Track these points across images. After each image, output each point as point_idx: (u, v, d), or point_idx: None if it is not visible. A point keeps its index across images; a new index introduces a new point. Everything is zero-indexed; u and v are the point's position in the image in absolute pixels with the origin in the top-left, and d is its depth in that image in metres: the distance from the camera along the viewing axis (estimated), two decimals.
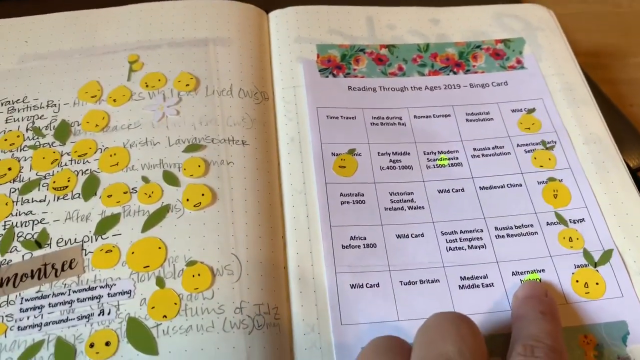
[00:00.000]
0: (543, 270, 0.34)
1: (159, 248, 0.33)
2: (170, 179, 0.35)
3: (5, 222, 0.34)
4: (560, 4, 0.54)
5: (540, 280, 0.34)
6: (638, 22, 0.55)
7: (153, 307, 0.31)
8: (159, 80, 0.39)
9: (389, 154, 0.38)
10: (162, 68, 0.40)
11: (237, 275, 0.32)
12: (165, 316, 0.30)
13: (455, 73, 0.43)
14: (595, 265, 0.35)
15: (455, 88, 0.42)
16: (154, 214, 0.34)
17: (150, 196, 0.34)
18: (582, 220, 0.36)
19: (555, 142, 0.40)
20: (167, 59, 0.41)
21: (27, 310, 0.31)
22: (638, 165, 0.42)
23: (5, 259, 0.33)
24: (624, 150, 0.41)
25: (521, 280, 0.34)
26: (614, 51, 0.52)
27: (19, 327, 0.30)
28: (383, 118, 0.40)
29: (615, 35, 0.53)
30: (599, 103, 0.42)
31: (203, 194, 0.34)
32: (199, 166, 0.35)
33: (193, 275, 0.32)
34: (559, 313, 0.32)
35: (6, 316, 0.31)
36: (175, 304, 0.31)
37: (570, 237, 0.36)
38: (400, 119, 0.40)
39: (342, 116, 0.40)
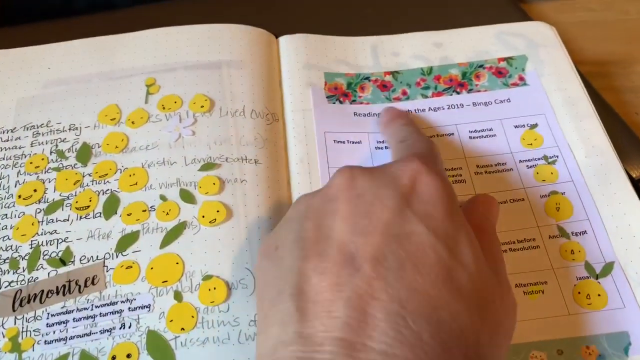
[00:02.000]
0: (545, 283, 0.36)
1: (177, 263, 0.34)
2: (187, 196, 0.37)
3: (32, 241, 0.36)
4: (567, 12, 0.55)
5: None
6: None
7: (171, 320, 0.32)
8: (175, 102, 0.41)
9: None
10: (178, 90, 0.42)
11: (252, 288, 0.33)
12: (183, 329, 0.32)
13: (458, 93, 0.45)
14: (597, 277, 0.36)
15: (458, 107, 0.44)
16: (171, 231, 0.35)
17: (168, 214, 0.36)
18: (584, 232, 0.37)
19: (558, 157, 0.41)
20: (183, 82, 0.42)
21: (53, 325, 0.33)
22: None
23: (32, 277, 0.34)
24: (627, 160, 0.42)
25: (524, 293, 0.35)
26: (620, 59, 0.53)
27: (45, 341, 0.32)
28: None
29: (622, 43, 0.54)
30: (602, 113, 0.43)
31: (218, 211, 0.36)
32: (214, 184, 0.37)
33: (209, 289, 0.33)
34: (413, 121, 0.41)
35: (34, 331, 0.32)
36: (193, 317, 0.32)
37: (572, 250, 0.37)
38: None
39: (348, 141, 0.41)
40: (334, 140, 0.41)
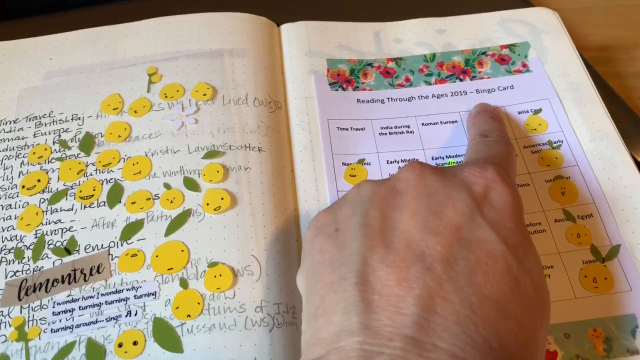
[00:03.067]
0: (552, 267, 0.35)
1: (182, 251, 0.34)
2: (191, 184, 0.37)
3: (36, 231, 0.36)
4: None
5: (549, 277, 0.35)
6: None
7: (177, 307, 0.32)
8: (178, 90, 0.41)
9: (398, 162, 0.40)
10: (180, 79, 0.42)
11: (257, 275, 0.33)
12: (189, 315, 0.32)
13: (461, 80, 0.44)
14: (604, 260, 0.36)
15: (461, 95, 0.43)
16: (176, 219, 0.35)
17: (172, 202, 0.36)
18: (590, 216, 0.37)
19: (562, 142, 0.41)
20: (185, 70, 0.42)
21: (59, 313, 0.33)
22: None
23: (38, 266, 0.34)
24: (631, 144, 0.42)
25: None
26: (623, 44, 0.53)
27: (52, 329, 0.32)
28: (391, 127, 0.41)
29: (625, 29, 0.54)
30: (607, 98, 0.43)
31: (222, 198, 0.36)
32: (218, 172, 0.37)
33: (215, 276, 0.33)
34: (502, 117, 0.40)
35: (40, 319, 0.32)
36: (199, 303, 0.32)
37: (578, 234, 0.37)
38: (408, 127, 0.42)
39: (351, 127, 0.41)
40: (337, 127, 0.41)
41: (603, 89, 0.44)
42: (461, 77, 0.45)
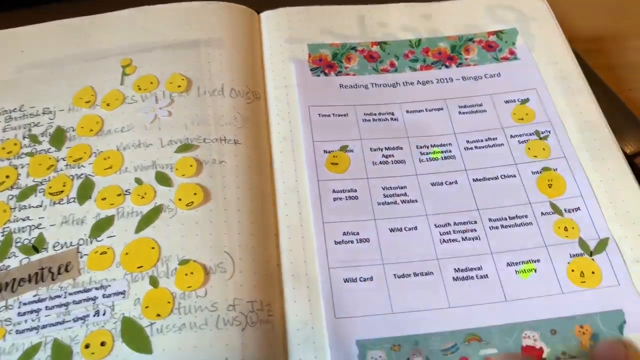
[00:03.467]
0: (538, 261, 0.34)
1: (152, 248, 0.33)
2: (163, 179, 0.35)
3: (3, 228, 0.35)
4: None
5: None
6: (637, 5, 0.54)
7: (147, 307, 0.31)
8: (151, 82, 0.40)
9: (382, 149, 0.38)
10: (155, 70, 0.41)
11: (230, 272, 0.32)
12: (158, 315, 0.31)
13: (447, 67, 0.43)
14: (591, 254, 0.34)
15: (447, 82, 0.42)
16: (147, 215, 0.34)
17: (143, 197, 0.35)
18: (578, 209, 0.36)
19: (550, 132, 0.39)
20: (159, 62, 0.41)
21: (24, 314, 0.31)
22: (635, 151, 0.41)
23: (4, 265, 0.33)
24: (621, 136, 0.40)
25: (516, 271, 0.34)
26: (613, 36, 0.52)
27: (17, 330, 0.31)
28: (375, 114, 0.40)
29: (615, 20, 0.53)
30: (597, 90, 0.42)
31: (195, 193, 0.35)
32: (191, 166, 0.36)
33: (186, 274, 0.32)
34: None
35: (5, 320, 0.31)
36: (169, 302, 0.31)
37: (565, 227, 0.35)
38: (393, 114, 0.40)
39: (334, 114, 0.40)
40: (319, 114, 0.39)
41: (594, 81, 0.43)
42: (447, 63, 0.43)
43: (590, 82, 0.42)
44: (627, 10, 0.54)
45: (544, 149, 0.39)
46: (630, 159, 0.40)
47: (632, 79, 0.48)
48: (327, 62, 0.42)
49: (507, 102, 0.41)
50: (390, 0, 0.46)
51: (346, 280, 0.33)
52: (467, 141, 0.39)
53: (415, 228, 0.35)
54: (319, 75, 0.42)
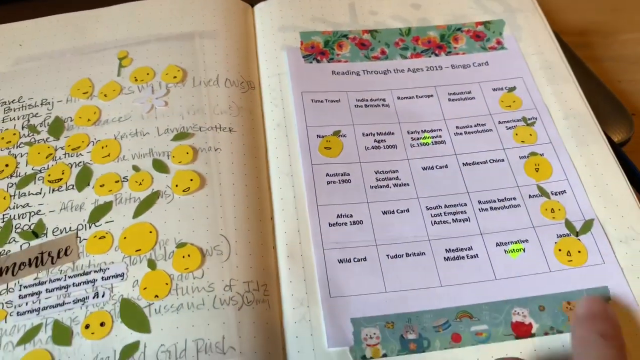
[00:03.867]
0: (526, 241, 0.35)
1: (150, 232, 0.34)
2: (160, 166, 0.36)
3: (3, 215, 0.35)
4: None
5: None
6: None
7: (145, 288, 0.32)
8: (148, 74, 0.41)
9: (374, 134, 0.39)
10: (151, 62, 0.41)
11: (226, 254, 0.33)
12: (157, 296, 0.32)
13: (437, 55, 0.44)
14: (577, 234, 0.35)
15: (437, 69, 0.43)
16: (144, 201, 0.35)
17: (140, 184, 0.36)
18: (564, 192, 0.37)
19: (536, 119, 0.40)
20: (155, 54, 0.42)
21: (25, 296, 0.32)
22: (623, 140, 0.43)
23: (5, 250, 0.34)
24: (610, 125, 0.42)
25: (505, 251, 0.35)
26: (603, 29, 0.53)
27: (18, 312, 0.32)
28: (367, 100, 0.41)
29: (605, 13, 0.54)
30: (586, 81, 0.43)
31: (192, 180, 0.35)
32: (187, 153, 0.37)
33: (183, 257, 0.33)
34: (622, 332, 0.30)
35: (6, 303, 0.32)
36: (167, 284, 0.32)
37: (552, 209, 0.36)
38: (384, 100, 0.41)
39: (326, 100, 0.41)
40: (312, 100, 0.40)
41: (582, 72, 0.44)
42: (436, 52, 0.44)
43: (580, 74, 0.43)
44: (617, 4, 0.55)
45: (530, 135, 0.40)
46: (618, 146, 0.41)
47: (621, 71, 0.50)
48: (319, 49, 0.43)
49: (494, 89, 0.42)
50: None
51: (340, 261, 0.34)
52: (457, 127, 0.40)
53: (407, 210, 0.36)
54: (311, 62, 0.43)
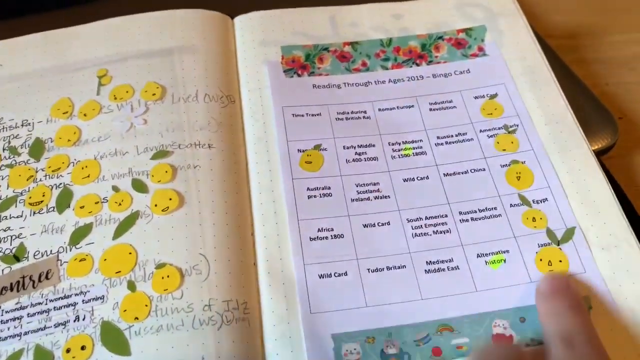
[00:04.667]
0: (507, 251, 0.35)
1: (130, 253, 0.34)
2: (139, 186, 0.36)
3: None
4: None
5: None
6: (614, 1, 0.55)
7: (125, 310, 0.32)
8: (127, 92, 0.41)
9: (355, 147, 0.39)
10: (130, 80, 0.41)
11: (206, 274, 0.33)
12: (137, 318, 0.32)
13: (418, 65, 0.44)
14: (559, 243, 0.35)
15: (418, 79, 0.43)
16: (124, 221, 0.35)
17: (120, 204, 0.36)
18: (545, 200, 0.37)
19: (518, 125, 0.40)
20: (135, 71, 0.42)
21: (7, 321, 0.32)
22: (607, 145, 0.42)
23: None
24: (594, 131, 0.41)
25: (486, 262, 0.35)
26: (591, 31, 0.53)
27: (0, 337, 0.32)
28: (348, 113, 0.41)
29: (592, 16, 0.54)
30: (570, 85, 0.43)
31: (171, 199, 0.36)
32: (166, 172, 0.37)
33: (162, 277, 0.33)
34: (584, 303, 0.32)
35: None
36: (146, 305, 0.32)
37: (533, 217, 0.36)
38: (365, 112, 0.41)
39: (307, 114, 0.41)
40: (293, 114, 0.40)
41: (566, 76, 0.44)
42: (418, 61, 0.44)
43: (564, 78, 0.43)
44: (605, 6, 0.55)
45: (512, 143, 0.40)
46: (603, 152, 0.41)
47: (609, 74, 0.49)
48: (300, 63, 0.43)
49: (476, 97, 0.42)
50: (361, 1, 0.47)
51: (321, 276, 0.34)
52: (438, 137, 0.40)
53: (388, 223, 0.36)
54: (292, 77, 0.43)
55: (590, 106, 0.44)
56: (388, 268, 0.34)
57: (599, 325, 0.31)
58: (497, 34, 0.45)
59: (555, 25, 0.53)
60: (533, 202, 0.37)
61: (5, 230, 0.36)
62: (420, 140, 0.40)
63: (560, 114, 0.41)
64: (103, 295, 0.33)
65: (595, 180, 0.37)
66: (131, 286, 0.33)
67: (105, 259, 0.34)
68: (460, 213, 0.37)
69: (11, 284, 0.34)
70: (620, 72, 0.50)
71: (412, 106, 0.42)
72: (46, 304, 0.33)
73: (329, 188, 0.37)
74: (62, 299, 0.33)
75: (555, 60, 0.46)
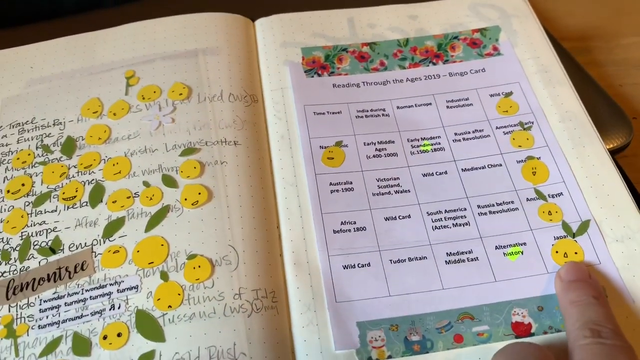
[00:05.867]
0: (524, 244, 0.36)
1: (162, 245, 0.35)
2: (169, 181, 0.38)
3: (22, 232, 0.37)
4: None
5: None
6: (627, 3, 0.56)
7: (159, 299, 0.33)
8: (154, 92, 0.42)
9: (375, 144, 0.41)
10: (157, 80, 0.43)
11: (235, 264, 0.34)
12: (170, 306, 0.33)
13: (434, 64, 0.45)
14: (574, 235, 0.36)
15: (435, 78, 0.44)
16: (155, 215, 0.36)
17: (151, 199, 0.37)
18: (561, 194, 0.38)
19: (533, 123, 0.42)
20: (161, 72, 0.43)
21: (45, 310, 0.34)
22: (622, 144, 0.43)
23: (24, 266, 0.35)
24: (609, 130, 0.43)
25: (504, 254, 0.36)
26: (605, 34, 0.54)
27: (39, 325, 0.33)
28: (367, 111, 0.42)
29: (606, 17, 0.55)
30: (584, 86, 0.44)
31: (200, 193, 0.37)
32: (195, 168, 0.38)
33: (194, 268, 0.34)
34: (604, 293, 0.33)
35: (27, 317, 0.34)
36: (179, 294, 0.33)
37: (549, 211, 0.37)
38: (384, 110, 0.43)
39: (328, 112, 0.42)
40: (314, 112, 0.42)
41: (581, 77, 0.45)
42: (434, 61, 0.45)
43: (578, 78, 0.44)
44: (618, 9, 0.56)
45: (527, 139, 0.41)
46: (617, 151, 0.42)
47: (622, 75, 0.51)
48: (320, 63, 0.45)
49: (491, 95, 0.43)
50: (378, 3, 0.49)
51: (345, 267, 0.35)
52: (455, 133, 0.41)
53: (409, 216, 0.37)
54: (312, 77, 0.44)
55: (604, 106, 0.45)
56: (409, 259, 0.36)
57: (614, 313, 0.32)
58: (511, 34, 0.46)
59: (569, 28, 0.54)
60: (549, 196, 0.38)
61: (40, 224, 0.37)
62: (439, 137, 0.41)
63: (573, 112, 0.42)
64: (137, 285, 0.34)
65: (608, 175, 0.39)
66: (164, 276, 0.34)
67: (138, 251, 0.35)
68: (478, 207, 0.38)
69: (48, 274, 0.35)
70: (634, 73, 0.51)
71: (430, 104, 0.43)
72: (82, 293, 0.34)
73: (351, 183, 0.39)
74: (97, 288, 0.34)
75: (570, 61, 0.47)
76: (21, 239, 0.36)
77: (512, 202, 0.38)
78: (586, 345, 0.29)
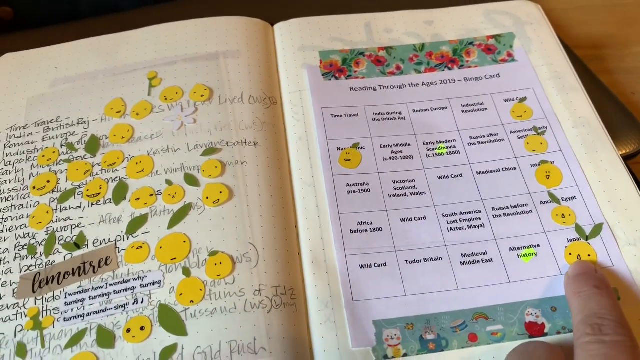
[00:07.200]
0: (538, 246, 0.37)
1: (184, 242, 0.36)
2: (191, 180, 0.39)
3: (47, 228, 0.38)
4: None
5: (535, 255, 0.37)
6: (639, 12, 0.57)
7: (181, 294, 0.34)
8: (177, 93, 0.43)
9: (391, 146, 0.41)
10: (179, 82, 0.44)
11: (255, 261, 0.35)
12: (192, 301, 0.34)
13: (450, 69, 0.46)
14: (587, 238, 0.37)
15: (450, 83, 0.45)
16: (178, 212, 0.37)
17: (173, 197, 0.38)
18: (574, 197, 0.39)
19: (546, 128, 0.42)
20: (183, 74, 0.44)
21: (70, 303, 0.35)
22: (634, 151, 0.44)
23: (50, 260, 0.36)
24: (622, 137, 0.43)
25: (518, 256, 0.37)
26: (617, 42, 0.54)
27: (64, 318, 0.34)
28: (384, 114, 0.43)
29: (617, 27, 0.56)
30: (597, 93, 0.45)
31: (221, 192, 0.38)
32: (216, 167, 0.39)
33: (215, 264, 0.35)
34: (610, 286, 0.33)
35: (53, 310, 0.35)
36: (201, 290, 0.34)
37: (562, 214, 0.38)
38: (400, 113, 0.43)
39: (345, 114, 0.43)
40: (332, 115, 0.43)
41: (595, 84, 0.46)
42: (450, 66, 0.46)
43: (591, 86, 0.45)
44: (631, 18, 0.57)
45: (541, 144, 0.42)
46: (627, 159, 0.43)
47: (634, 83, 0.51)
48: (337, 67, 0.46)
49: (506, 100, 0.44)
50: (395, 8, 0.50)
51: (362, 266, 0.36)
52: (470, 137, 0.42)
53: (425, 218, 0.38)
54: (330, 80, 0.45)
55: (617, 113, 0.46)
56: (425, 260, 0.36)
57: (627, 315, 0.33)
58: (525, 41, 0.47)
59: (582, 37, 0.55)
60: (562, 199, 0.39)
61: (65, 220, 0.38)
62: (454, 140, 0.42)
63: (587, 118, 0.42)
64: (160, 280, 0.35)
65: (621, 179, 0.39)
66: (186, 272, 0.35)
67: (160, 247, 0.36)
68: (493, 209, 0.38)
69: (73, 269, 0.36)
70: None
71: (445, 108, 0.44)
72: (106, 287, 0.35)
73: (367, 184, 0.40)
74: (121, 283, 0.35)
75: (583, 68, 0.48)
76: (46, 234, 0.38)
77: (526, 205, 0.39)
78: (586, 343, 0.29)
